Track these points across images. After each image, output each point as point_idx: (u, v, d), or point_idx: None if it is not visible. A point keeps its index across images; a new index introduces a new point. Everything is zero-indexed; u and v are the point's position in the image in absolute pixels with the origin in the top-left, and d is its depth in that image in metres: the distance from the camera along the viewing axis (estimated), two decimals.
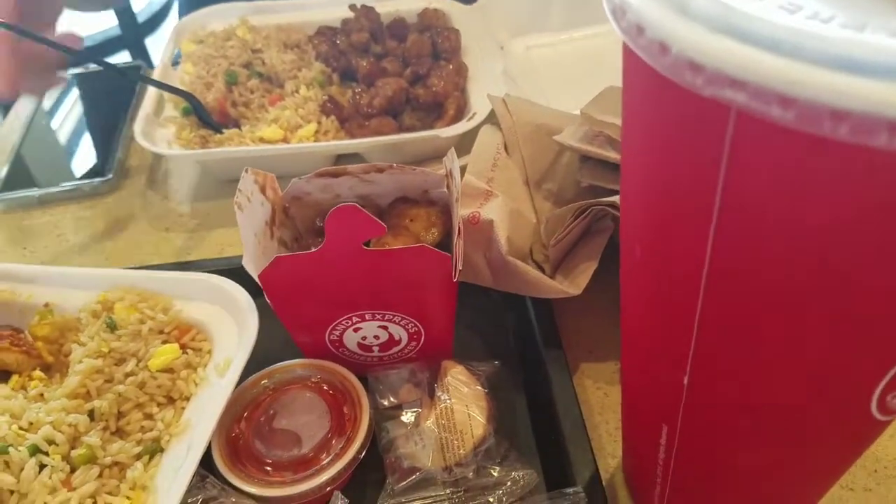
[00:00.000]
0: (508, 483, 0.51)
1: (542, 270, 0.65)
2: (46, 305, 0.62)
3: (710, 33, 0.24)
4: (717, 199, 0.27)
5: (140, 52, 2.40)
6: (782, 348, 0.31)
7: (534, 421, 0.59)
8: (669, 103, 0.27)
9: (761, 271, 0.28)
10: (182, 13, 1.20)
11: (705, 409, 0.38)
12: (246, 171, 0.56)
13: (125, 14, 2.29)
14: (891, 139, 0.21)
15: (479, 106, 0.82)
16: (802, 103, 0.22)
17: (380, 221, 0.48)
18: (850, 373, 0.32)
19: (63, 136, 0.96)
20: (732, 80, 0.23)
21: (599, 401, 0.61)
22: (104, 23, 2.52)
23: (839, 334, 0.29)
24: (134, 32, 2.42)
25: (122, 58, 2.52)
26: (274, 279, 0.51)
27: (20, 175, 0.88)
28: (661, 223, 0.32)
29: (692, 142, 0.27)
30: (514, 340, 0.66)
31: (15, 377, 0.58)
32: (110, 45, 2.57)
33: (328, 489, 0.50)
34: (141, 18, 2.49)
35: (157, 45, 0.93)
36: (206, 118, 0.86)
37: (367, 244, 0.54)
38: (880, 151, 0.21)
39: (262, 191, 0.58)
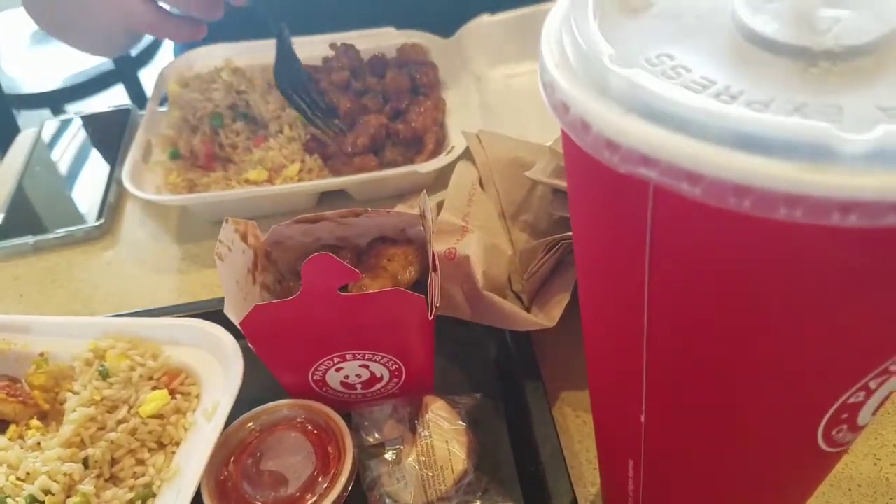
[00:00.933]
0: None
1: (521, 300, 0.67)
2: (41, 354, 0.64)
3: (625, 114, 0.26)
4: (647, 261, 0.29)
5: (134, 86, 2.43)
6: (724, 392, 0.33)
7: (515, 452, 0.60)
8: (597, 177, 0.29)
9: (693, 323, 0.30)
10: (178, 51, 1.22)
11: (664, 447, 0.40)
12: (226, 221, 0.58)
13: None
14: (789, 212, 0.23)
15: (458, 140, 0.84)
16: (708, 180, 0.24)
17: (353, 269, 0.50)
18: (791, 414, 0.33)
19: (57, 181, 0.98)
20: (645, 158, 0.25)
21: (579, 429, 0.62)
22: (98, 58, 2.55)
23: (774, 379, 0.31)
24: (128, 66, 2.45)
25: (117, 91, 2.55)
26: (254, 326, 0.53)
27: (15, 221, 0.90)
28: (603, 277, 0.34)
29: (619, 212, 0.29)
30: (495, 371, 0.67)
31: (13, 427, 0.60)
32: (105, 79, 2.60)
33: None
34: (134, 52, 2.51)
35: (153, 78, 0.97)
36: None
37: (345, 288, 0.56)
38: (781, 223, 0.23)
39: (244, 238, 0.60)
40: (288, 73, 0.92)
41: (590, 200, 0.32)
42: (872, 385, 0.32)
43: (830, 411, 0.33)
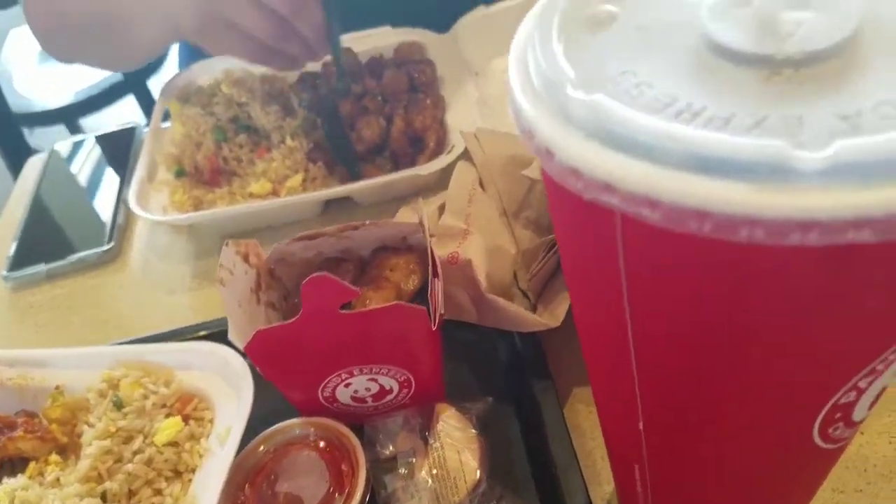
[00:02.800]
0: None
1: (528, 297, 0.67)
2: (57, 388, 0.65)
3: (586, 140, 0.25)
4: (623, 280, 0.29)
5: (144, 96, 2.44)
6: (712, 402, 0.33)
7: (528, 453, 0.60)
8: (568, 200, 0.29)
9: (673, 339, 0.30)
10: (182, 62, 1.23)
11: (663, 452, 0.39)
12: (226, 244, 0.58)
13: None
14: (751, 233, 0.23)
15: (458, 138, 0.84)
16: (667, 206, 0.23)
17: (352, 287, 0.50)
18: (781, 419, 0.33)
19: (68, 205, 1.00)
20: (606, 185, 0.25)
21: (592, 426, 0.62)
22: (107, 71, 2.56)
23: (758, 389, 0.31)
24: (137, 77, 2.47)
25: (128, 102, 2.56)
26: (259, 350, 0.54)
27: (28, 250, 0.91)
28: (587, 293, 0.34)
29: (592, 233, 0.29)
30: (505, 372, 0.67)
31: (32, 464, 0.61)
32: (115, 91, 2.62)
33: None
34: None
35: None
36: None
37: (349, 304, 0.56)
38: (741, 245, 0.23)
39: (245, 259, 0.60)
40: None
41: (566, 221, 0.32)
42: (862, 384, 0.31)
43: (822, 413, 0.33)
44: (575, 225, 0.31)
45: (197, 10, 0.81)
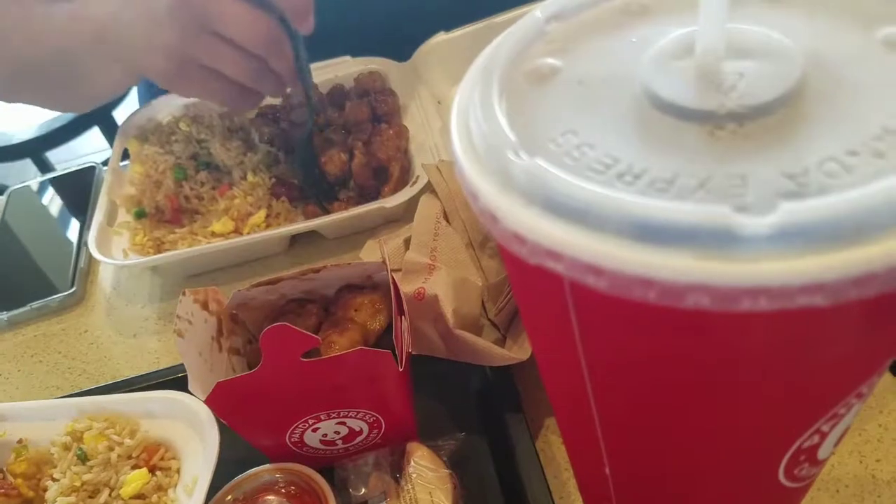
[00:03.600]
0: None
1: (498, 329, 0.66)
2: (20, 441, 0.63)
3: (528, 207, 0.25)
4: (577, 338, 0.29)
5: (110, 127, 2.41)
6: (673, 452, 0.33)
7: (501, 488, 0.60)
8: (518, 262, 0.28)
9: (630, 395, 0.30)
10: (141, 98, 1.22)
11: (631, 496, 0.39)
12: (183, 293, 0.57)
13: None
14: (697, 300, 0.22)
15: (422, 168, 0.84)
16: (610, 274, 0.23)
17: (312, 335, 0.50)
18: (745, 465, 0.33)
19: (28, 250, 0.98)
20: (550, 252, 0.24)
21: (566, 456, 0.62)
22: None
23: (718, 441, 0.31)
24: (101, 108, 2.44)
25: (93, 134, 2.54)
26: (220, 402, 0.53)
27: None
28: (547, 347, 0.34)
29: (545, 296, 0.28)
30: (477, 405, 0.67)
31: None
32: (79, 122, 2.59)
33: None
34: None
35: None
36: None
37: (314, 352, 0.55)
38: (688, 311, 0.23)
39: (205, 307, 0.59)
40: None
41: (517, 278, 0.32)
42: (825, 428, 0.31)
43: (786, 456, 0.32)
44: (526, 284, 0.30)
45: (169, 54, 0.78)
